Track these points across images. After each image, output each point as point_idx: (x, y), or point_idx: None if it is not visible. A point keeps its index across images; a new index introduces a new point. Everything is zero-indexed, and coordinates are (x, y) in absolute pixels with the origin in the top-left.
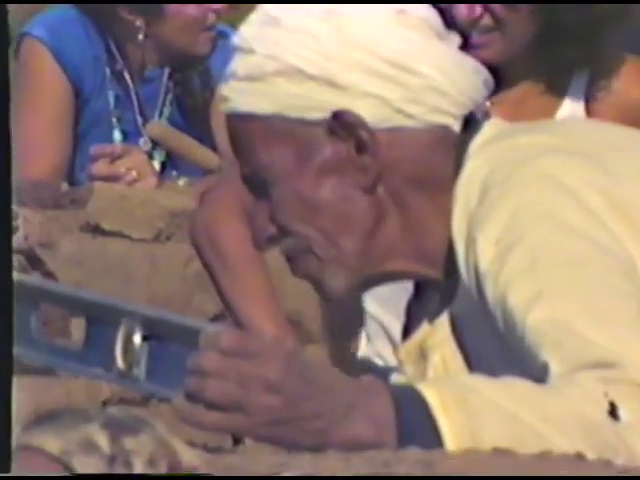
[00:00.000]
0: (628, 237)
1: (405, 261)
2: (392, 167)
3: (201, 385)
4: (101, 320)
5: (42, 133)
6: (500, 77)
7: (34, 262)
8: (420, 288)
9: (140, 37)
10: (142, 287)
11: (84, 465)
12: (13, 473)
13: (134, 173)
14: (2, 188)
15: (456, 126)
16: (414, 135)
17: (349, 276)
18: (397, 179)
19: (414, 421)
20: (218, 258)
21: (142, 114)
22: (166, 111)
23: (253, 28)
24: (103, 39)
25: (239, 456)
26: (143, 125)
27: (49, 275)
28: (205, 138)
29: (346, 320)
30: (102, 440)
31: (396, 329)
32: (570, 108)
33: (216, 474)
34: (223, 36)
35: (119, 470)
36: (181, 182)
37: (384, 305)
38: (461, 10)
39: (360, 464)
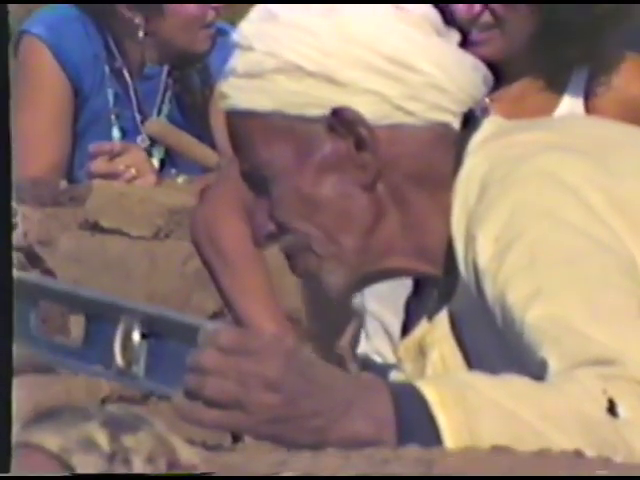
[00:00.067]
0: (628, 234)
1: (404, 258)
2: (391, 164)
3: (200, 383)
4: (100, 317)
5: (41, 131)
6: (499, 74)
7: (33, 259)
8: (419, 285)
9: (139, 35)
10: (141, 285)
11: (83, 463)
12: (13, 472)
13: (133, 171)
14: (2, 186)
15: (456, 123)
16: (413, 132)
17: (348, 273)
18: (396, 176)
19: (413, 418)
20: (218, 255)
21: (141, 112)
22: (165, 109)
23: (252, 25)
24: (102, 37)
25: (238, 454)
26: (142, 123)
27: (48, 272)
28: (204, 136)
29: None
30: (101, 438)
31: (395, 326)
32: (569, 105)
33: (215, 472)
34: (222, 33)
35: (118, 468)
36: (180, 180)
37: (383, 302)
38: (460, 7)
39: (359, 462)
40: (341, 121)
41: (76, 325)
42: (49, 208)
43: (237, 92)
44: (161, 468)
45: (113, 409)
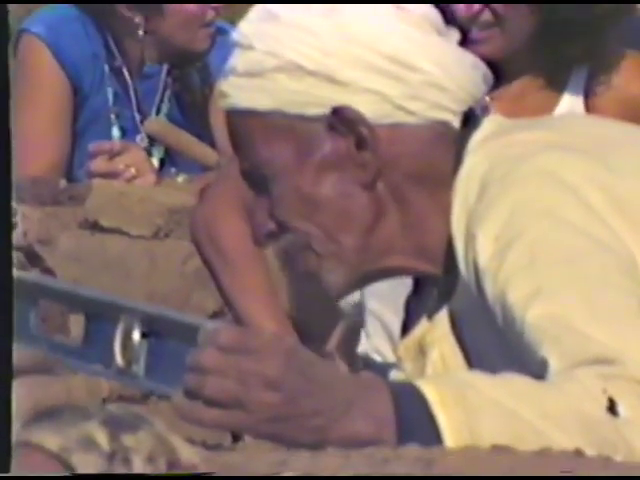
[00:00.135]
0: (628, 233)
1: (404, 257)
2: (392, 163)
3: (200, 382)
4: (100, 317)
5: (41, 130)
6: (499, 72)
7: (33, 259)
8: (419, 284)
9: (139, 34)
10: (141, 284)
11: (83, 462)
12: (13, 471)
13: (133, 170)
14: (2, 185)
15: (456, 122)
16: (414, 131)
17: (348, 272)
18: (397, 175)
19: (413, 418)
20: (218, 254)
21: (140, 111)
22: (165, 107)
23: (252, 24)
24: (102, 36)
25: (238, 453)
26: (141, 122)
27: (48, 272)
28: (204, 135)
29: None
30: (101, 437)
31: (395, 325)
32: (569, 103)
33: (215, 472)
34: (222, 32)
35: (118, 467)
36: (180, 179)
37: (383, 301)
38: (460, 6)
39: (359, 462)
40: (342, 120)
41: (76, 324)
42: (49, 207)
43: (237, 91)
44: (161, 468)
45: (113, 408)
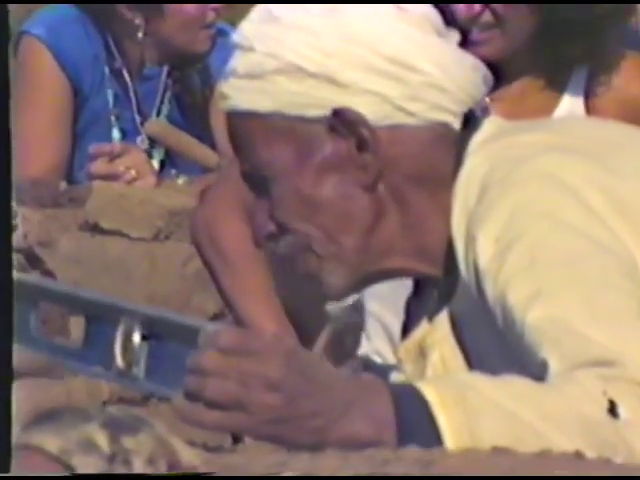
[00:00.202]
0: (628, 235)
1: (404, 258)
2: (392, 165)
3: (201, 384)
4: (100, 319)
5: (41, 132)
6: (499, 73)
7: (33, 261)
8: (419, 286)
9: (139, 35)
10: (141, 286)
11: (83, 464)
12: (13, 472)
13: (133, 172)
14: (2, 187)
15: (456, 123)
16: (414, 133)
17: (348, 273)
18: (397, 177)
19: (413, 419)
20: (218, 256)
21: (141, 112)
22: (165, 109)
23: (253, 26)
24: (102, 37)
25: (239, 455)
26: (142, 123)
27: (48, 274)
28: (204, 136)
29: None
30: (101, 439)
31: (395, 327)
32: (569, 104)
33: (215, 473)
34: (222, 34)
35: (118, 469)
36: (180, 181)
37: (383, 303)
38: (461, 7)
39: (359, 463)
40: (342, 122)
41: (76, 326)
42: (49, 209)
43: (237, 93)
44: (161, 469)
45: (113, 410)
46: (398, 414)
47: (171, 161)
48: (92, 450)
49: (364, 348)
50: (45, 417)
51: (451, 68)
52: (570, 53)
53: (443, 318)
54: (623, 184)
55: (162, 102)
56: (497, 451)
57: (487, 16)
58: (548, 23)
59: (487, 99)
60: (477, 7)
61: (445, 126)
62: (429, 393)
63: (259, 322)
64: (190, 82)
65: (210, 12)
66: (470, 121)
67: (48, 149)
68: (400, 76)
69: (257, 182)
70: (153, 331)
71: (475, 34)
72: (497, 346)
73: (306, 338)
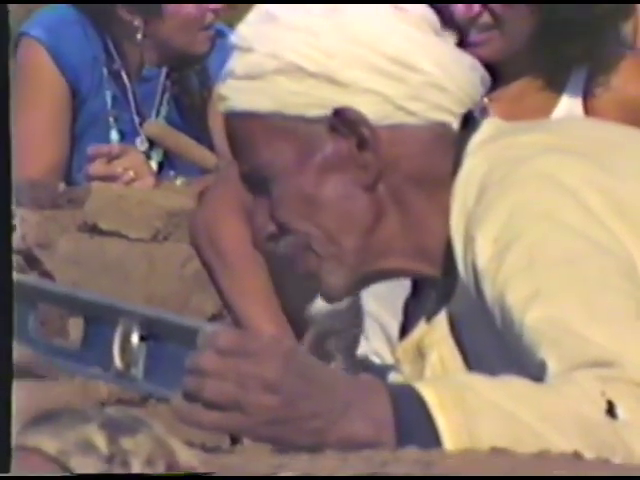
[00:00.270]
0: (627, 236)
1: (403, 259)
2: (392, 165)
3: (199, 385)
4: (99, 320)
5: (39, 133)
6: (498, 73)
7: (32, 262)
8: (418, 286)
9: (138, 36)
10: (140, 287)
11: (82, 465)
12: (13, 473)
13: (131, 173)
14: (2, 188)
15: (455, 124)
16: (414, 132)
17: (348, 274)
18: (397, 177)
19: (412, 420)
20: (217, 257)
21: (139, 114)
22: (163, 110)
23: (251, 27)
24: (101, 39)
25: (237, 456)
26: (140, 125)
27: (47, 275)
28: (203, 137)
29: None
30: (100, 440)
31: (393, 328)
32: (568, 105)
33: (214, 474)
34: (221, 35)
35: (117, 470)
36: (179, 182)
37: (382, 304)
38: (460, 8)
39: (358, 464)
40: (343, 121)
41: (75, 327)
42: (47, 210)
43: (236, 94)
44: (160, 470)
45: (111, 411)
46: (397, 415)
47: (169, 162)
48: (90, 451)
49: (362, 348)
50: (43, 418)
51: (451, 68)
52: (569, 53)
53: (441, 319)
54: (622, 185)
55: (161, 103)
56: (496, 452)
57: (486, 17)
58: (547, 23)
59: (486, 100)
60: (476, 8)
61: (444, 126)
62: (428, 394)
63: (258, 323)
64: (189, 83)
65: (209, 13)
66: (469, 122)
67: (47, 150)
68: (401, 75)
69: (257, 183)
70: (152, 332)
71: (474, 35)
72: (496, 347)
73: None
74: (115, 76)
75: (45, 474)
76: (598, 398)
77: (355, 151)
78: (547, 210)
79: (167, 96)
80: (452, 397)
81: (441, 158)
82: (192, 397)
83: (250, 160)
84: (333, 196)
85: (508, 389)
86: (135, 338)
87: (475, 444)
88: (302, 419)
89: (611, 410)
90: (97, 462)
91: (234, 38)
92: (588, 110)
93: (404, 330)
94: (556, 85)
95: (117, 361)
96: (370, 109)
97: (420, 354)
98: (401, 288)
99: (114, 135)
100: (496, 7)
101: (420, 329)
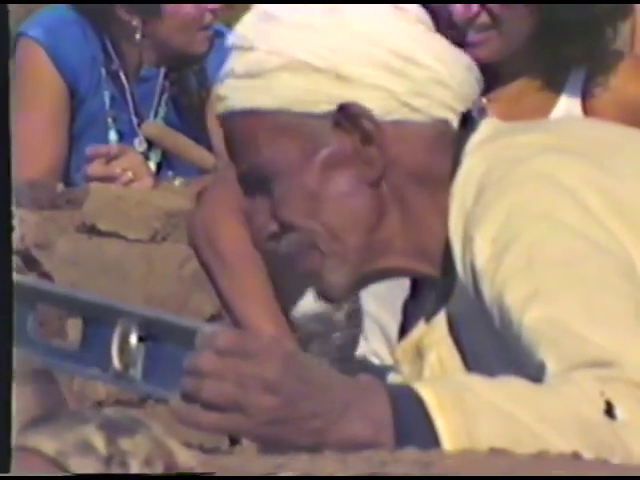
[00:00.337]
0: (626, 236)
1: (403, 258)
2: (395, 161)
3: (198, 385)
4: (97, 320)
5: (38, 133)
6: (496, 74)
7: (30, 263)
8: (417, 287)
9: (137, 37)
10: (138, 288)
11: (80, 466)
12: (12, 473)
13: (130, 174)
14: (2, 189)
15: (455, 122)
16: (417, 129)
17: (350, 272)
18: (399, 174)
19: (411, 420)
20: (216, 257)
21: (137, 114)
22: (162, 111)
23: (250, 26)
24: (100, 39)
25: (236, 457)
26: (138, 125)
27: (45, 276)
28: (201, 138)
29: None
30: (98, 441)
31: (392, 328)
32: (567, 105)
33: (213, 474)
34: (220, 35)
35: (115, 471)
36: (177, 182)
37: (381, 304)
38: (458, 8)
39: (357, 464)
40: (346, 116)
41: (73, 328)
42: (46, 211)
43: (236, 93)
44: (158, 471)
45: (110, 412)
46: (396, 415)
47: (168, 163)
48: (89, 452)
49: (362, 349)
50: (42, 419)
51: (451, 65)
52: (568, 54)
53: (440, 319)
54: (621, 185)
55: (159, 104)
56: (495, 452)
57: (484, 17)
58: (546, 24)
59: (484, 100)
60: (474, 8)
61: (446, 124)
62: (427, 394)
63: (256, 324)
64: (187, 84)
65: (207, 13)
66: (467, 122)
67: (45, 151)
68: (406, 71)
69: (256, 183)
70: (150, 333)
71: (472, 35)
72: (494, 347)
73: None
74: (113, 76)
75: (45, 474)
76: (597, 398)
77: (359, 146)
78: (546, 210)
79: (165, 97)
80: (451, 398)
81: (442, 157)
82: (191, 398)
83: (250, 159)
84: (337, 193)
85: (507, 389)
86: (134, 339)
87: (474, 444)
88: (302, 419)
89: (610, 410)
90: (95, 463)
91: (232, 38)
92: (587, 110)
93: (403, 330)
94: (555, 85)
95: (116, 362)
96: (376, 104)
97: (419, 354)
98: (400, 289)
99: (112, 135)
100: (494, 7)
101: (419, 329)
